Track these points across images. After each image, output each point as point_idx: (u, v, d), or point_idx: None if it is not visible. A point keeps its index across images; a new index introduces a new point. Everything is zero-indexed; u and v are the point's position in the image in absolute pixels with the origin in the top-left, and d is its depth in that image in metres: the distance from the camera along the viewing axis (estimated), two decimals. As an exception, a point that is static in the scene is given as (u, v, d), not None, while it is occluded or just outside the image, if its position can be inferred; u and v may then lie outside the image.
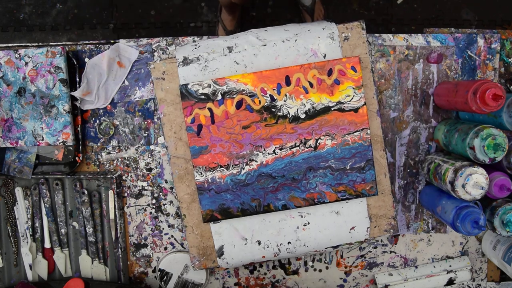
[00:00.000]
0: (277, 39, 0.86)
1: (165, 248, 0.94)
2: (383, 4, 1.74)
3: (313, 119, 0.84)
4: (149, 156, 0.92)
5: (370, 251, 0.95)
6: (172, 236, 0.94)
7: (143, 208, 0.93)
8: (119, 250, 0.92)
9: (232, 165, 0.85)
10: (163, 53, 0.91)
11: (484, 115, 0.83)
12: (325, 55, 0.85)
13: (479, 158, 0.76)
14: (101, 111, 0.92)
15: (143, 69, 0.91)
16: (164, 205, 0.93)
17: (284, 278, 0.96)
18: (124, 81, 0.91)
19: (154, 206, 0.93)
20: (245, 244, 0.88)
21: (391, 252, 0.95)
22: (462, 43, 0.90)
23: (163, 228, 0.94)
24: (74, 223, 0.93)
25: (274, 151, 0.85)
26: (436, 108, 0.91)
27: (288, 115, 0.84)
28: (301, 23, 0.87)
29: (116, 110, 0.92)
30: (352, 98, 0.84)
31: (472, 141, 0.75)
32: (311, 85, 0.84)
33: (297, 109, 0.84)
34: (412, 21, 1.73)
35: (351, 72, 0.84)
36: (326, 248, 0.89)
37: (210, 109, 0.84)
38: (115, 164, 0.93)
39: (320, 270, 0.96)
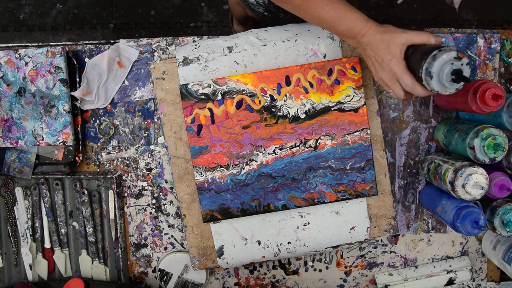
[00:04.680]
0: (277, 39, 0.86)
1: (165, 248, 0.94)
2: (383, 4, 1.74)
3: (313, 119, 0.85)
4: (149, 156, 0.92)
5: (370, 251, 0.95)
6: (172, 236, 0.94)
7: (143, 208, 0.93)
8: (119, 250, 0.92)
9: (232, 165, 0.85)
10: (163, 53, 0.91)
11: (484, 115, 0.83)
12: (325, 55, 0.85)
13: (479, 158, 0.76)
14: (101, 111, 0.92)
15: (143, 69, 0.91)
16: (164, 205, 0.93)
17: (284, 278, 0.96)
18: (124, 81, 0.91)
19: (154, 206, 0.93)
20: (245, 244, 0.88)
21: (391, 252, 0.95)
22: (462, 43, 0.90)
23: (163, 228, 0.94)
24: (74, 223, 0.93)
25: (274, 151, 0.85)
26: (436, 108, 0.91)
27: (288, 115, 0.84)
28: (301, 23, 0.87)
29: (116, 110, 0.92)
30: (352, 98, 0.84)
31: (472, 141, 0.75)
32: (311, 85, 0.84)
33: (297, 109, 0.84)
34: (412, 21, 1.73)
35: (351, 72, 0.84)
36: (326, 248, 0.89)
37: (210, 109, 0.84)
38: (115, 164, 0.93)
39: (320, 270, 0.96)
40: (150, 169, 0.93)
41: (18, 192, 0.92)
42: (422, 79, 0.63)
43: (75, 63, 0.88)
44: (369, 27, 0.69)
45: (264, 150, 0.85)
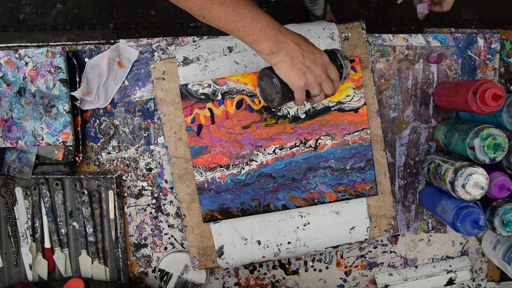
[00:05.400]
0: (277, 39, 0.85)
1: (165, 248, 0.94)
2: (383, 4, 1.75)
3: (313, 119, 0.85)
4: (149, 156, 0.92)
5: (370, 251, 0.95)
6: (172, 236, 0.94)
7: (143, 208, 0.93)
8: (119, 250, 0.92)
9: (232, 165, 0.85)
10: (163, 53, 0.91)
11: (484, 115, 0.83)
12: (325, 55, 0.85)
13: (479, 158, 0.76)
14: (101, 111, 0.92)
15: (143, 69, 0.91)
16: (164, 205, 0.93)
17: (284, 278, 0.96)
18: (124, 81, 0.91)
19: (154, 206, 0.93)
20: (245, 244, 0.88)
21: (391, 252, 0.95)
22: (462, 43, 0.90)
23: (163, 228, 0.94)
24: (74, 223, 0.93)
25: (274, 151, 0.85)
26: (436, 108, 0.91)
27: (288, 115, 0.84)
28: (301, 23, 0.87)
29: (116, 110, 0.92)
30: (352, 98, 0.84)
31: (472, 141, 0.75)
32: (311, 85, 0.84)
33: (297, 109, 0.84)
34: (412, 21, 1.73)
35: (351, 72, 0.84)
36: (326, 248, 0.89)
37: (210, 109, 0.84)
38: (115, 164, 0.93)
39: (320, 270, 0.96)
40: (150, 169, 0.93)
41: (18, 192, 0.92)
42: (342, 65, 0.71)
43: (75, 63, 0.88)
44: (283, 27, 0.66)
45: (264, 150, 0.85)
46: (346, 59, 0.71)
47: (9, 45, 0.92)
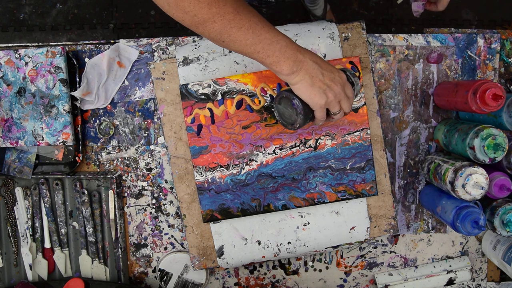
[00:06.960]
0: (277, 39, 0.85)
1: (165, 248, 0.94)
2: (383, 4, 1.75)
3: (313, 119, 0.84)
4: (149, 156, 0.92)
5: (370, 251, 0.95)
6: (172, 236, 0.94)
7: (143, 208, 0.93)
8: (119, 250, 0.92)
9: (232, 165, 0.85)
10: (163, 53, 0.91)
11: (484, 115, 0.83)
12: (325, 55, 0.85)
13: (479, 158, 0.76)
14: (101, 111, 0.92)
15: (143, 69, 0.91)
16: (164, 205, 0.93)
17: (284, 278, 0.96)
18: (124, 81, 0.91)
19: (154, 206, 0.93)
20: (245, 244, 0.88)
21: (391, 252, 0.95)
22: (462, 43, 0.90)
23: (163, 228, 0.94)
24: (74, 223, 0.93)
25: (274, 151, 0.85)
26: (436, 108, 0.91)
27: (288, 115, 0.84)
28: (301, 23, 0.87)
29: (116, 110, 0.92)
30: (352, 98, 0.84)
31: (472, 141, 0.75)
32: (311, 85, 0.84)
33: (297, 109, 0.84)
34: (412, 21, 1.73)
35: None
36: (326, 248, 0.89)
37: (210, 109, 0.84)
38: (115, 164, 0.93)
39: (320, 270, 0.96)
40: (150, 169, 0.93)
41: (18, 192, 0.92)
42: (354, 82, 0.72)
43: (75, 63, 0.88)
44: (301, 46, 0.66)
45: (264, 150, 0.85)
46: (355, 77, 0.73)
47: (9, 45, 0.92)
